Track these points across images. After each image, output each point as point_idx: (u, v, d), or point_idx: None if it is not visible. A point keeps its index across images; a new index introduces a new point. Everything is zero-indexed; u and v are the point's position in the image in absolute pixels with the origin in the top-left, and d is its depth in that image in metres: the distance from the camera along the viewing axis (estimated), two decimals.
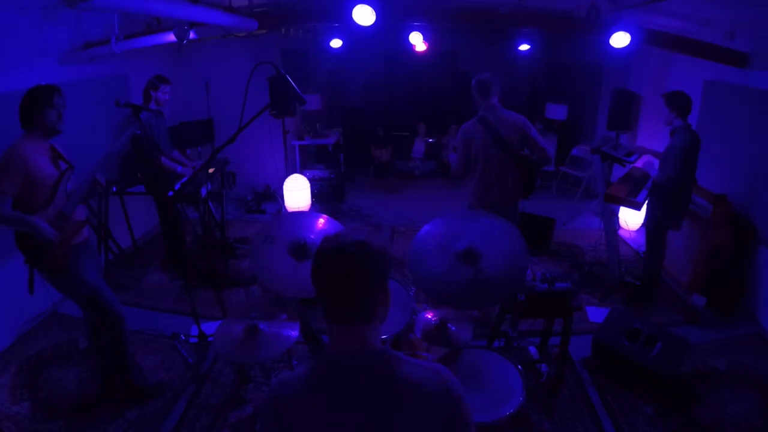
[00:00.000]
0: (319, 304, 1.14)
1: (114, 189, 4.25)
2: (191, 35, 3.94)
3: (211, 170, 4.32)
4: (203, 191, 4.33)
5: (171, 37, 3.85)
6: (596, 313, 3.84)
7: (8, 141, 2.40)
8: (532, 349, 3.20)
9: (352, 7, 3.56)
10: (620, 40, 3.87)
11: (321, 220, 2.62)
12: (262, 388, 2.99)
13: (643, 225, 4.68)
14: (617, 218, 4.54)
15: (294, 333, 2.39)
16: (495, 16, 4.22)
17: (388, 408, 1.05)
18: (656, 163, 3.90)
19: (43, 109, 2.43)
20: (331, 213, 5.87)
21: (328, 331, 1.15)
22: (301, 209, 5.77)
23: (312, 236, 2.49)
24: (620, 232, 5.06)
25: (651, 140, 5.11)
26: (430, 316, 2.49)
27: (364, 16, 3.60)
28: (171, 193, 3.44)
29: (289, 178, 5.88)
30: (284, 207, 5.97)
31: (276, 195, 6.36)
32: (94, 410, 2.83)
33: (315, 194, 6.30)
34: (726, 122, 4.18)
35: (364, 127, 7.81)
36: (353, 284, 1.10)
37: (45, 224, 2.39)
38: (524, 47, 5.97)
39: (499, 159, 3.43)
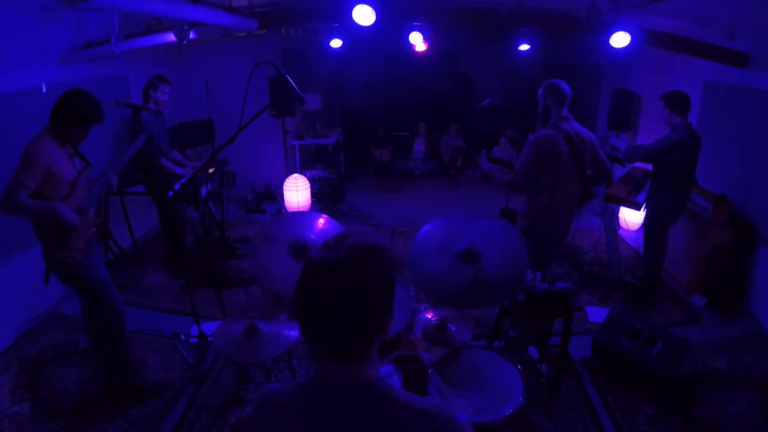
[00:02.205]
0: (301, 334, 0.95)
1: (114, 189, 4.25)
2: (191, 35, 3.94)
3: (211, 170, 4.32)
4: (203, 191, 4.34)
5: (171, 37, 3.85)
6: (596, 313, 3.84)
7: (8, 141, 2.40)
8: (532, 349, 3.20)
9: (352, 7, 3.56)
10: (620, 40, 3.87)
11: (321, 220, 2.62)
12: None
13: (642, 225, 4.68)
14: (617, 218, 4.54)
15: (294, 333, 2.39)
16: (495, 16, 4.22)
17: None
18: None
19: (82, 130, 2.52)
20: (331, 213, 5.86)
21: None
22: (301, 209, 5.77)
23: (312, 236, 2.50)
24: (620, 232, 5.06)
25: (651, 140, 5.10)
26: (430, 316, 2.49)
27: (364, 16, 3.59)
28: (171, 193, 3.45)
29: (289, 178, 5.87)
30: (284, 207, 5.97)
31: (276, 195, 6.36)
32: (94, 410, 2.82)
33: (315, 194, 6.30)
34: (726, 122, 4.18)
35: (364, 127, 7.82)
36: (348, 318, 0.89)
37: (67, 210, 2.44)
38: (524, 47, 5.98)
39: (576, 179, 3.08)
